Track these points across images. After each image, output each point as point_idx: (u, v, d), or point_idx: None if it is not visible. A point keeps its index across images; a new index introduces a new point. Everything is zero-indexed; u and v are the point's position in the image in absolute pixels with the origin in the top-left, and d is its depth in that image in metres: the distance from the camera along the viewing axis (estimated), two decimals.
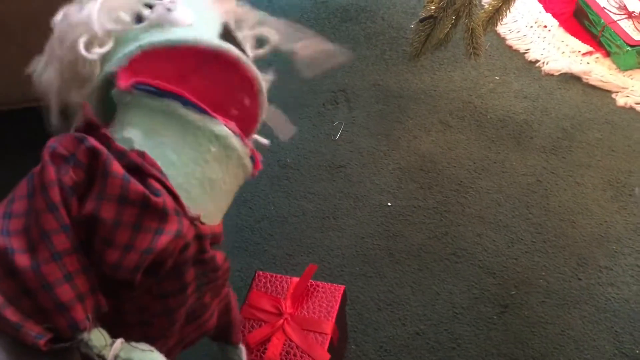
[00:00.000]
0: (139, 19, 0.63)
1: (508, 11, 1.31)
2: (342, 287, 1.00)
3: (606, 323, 1.10)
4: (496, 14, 1.31)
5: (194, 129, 0.62)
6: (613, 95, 1.47)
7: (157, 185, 0.58)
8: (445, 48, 1.48)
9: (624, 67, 1.50)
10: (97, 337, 0.57)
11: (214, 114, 0.63)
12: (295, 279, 1.00)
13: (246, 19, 0.72)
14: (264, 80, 0.67)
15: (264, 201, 1.32)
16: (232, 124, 0.64)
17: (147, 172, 0.58)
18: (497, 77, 1.54)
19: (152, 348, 0.60)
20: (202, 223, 0.64)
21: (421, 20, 1.32)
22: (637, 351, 1.07)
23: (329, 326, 0.95)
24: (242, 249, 1.24)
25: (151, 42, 0.61)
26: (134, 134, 0.61)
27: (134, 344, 0.59)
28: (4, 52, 1.21)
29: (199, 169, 0.62)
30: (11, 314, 0.53)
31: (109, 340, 0.58)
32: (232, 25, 0.69)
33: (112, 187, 0.56)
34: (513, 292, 1.15)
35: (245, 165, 0.67)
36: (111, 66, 0.62)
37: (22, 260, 0.53)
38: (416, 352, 1.09)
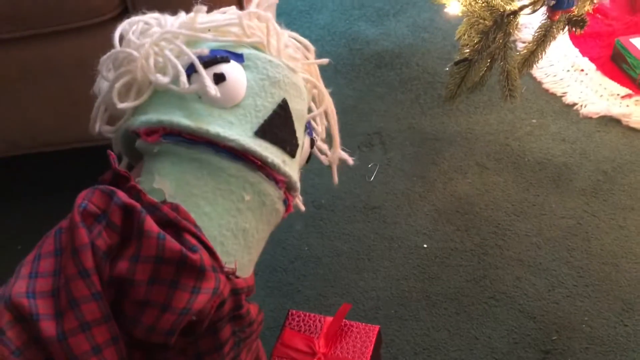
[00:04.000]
0: (190, 68, 0.61)
1: (543, 53, 1.31)
2: (377, 327, 0.98)
3: None
4: (531, 56, 1.31)
5: (227, 176, 0.59)
6: None
7: (192, 241, 0.54)
8: (480, 91, 1.48)
9: None
10: None
11: (250, 157, 0.60)
12: (329, 318, 0.99)
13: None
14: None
15: (298, 242, 1.31)
16: (267, 168, 0.61)
17: (181, 226, 0.54)
18: (534, 120, 1.52)
19: None
20: (236, 277, 0.60)
21: (456, 63, 1.33)
22: None
23: None
24: (276, 290, 1.23)
25: (168, 122, 0.59)
26: (164, 185, 0.58)
27: None
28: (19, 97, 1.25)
29: (232, 219, 0.59)
30: None
31: None
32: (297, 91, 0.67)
33: (147, 248, 0.52)
34: (554, 338, 1.11)
35: (277, 210, 0.64)
36: (133, 124, 0.61)
37: (48, 328, 0.49)
38: None
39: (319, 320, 0.99)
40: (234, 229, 0.59)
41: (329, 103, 0.74)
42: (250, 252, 0.63)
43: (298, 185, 0.67)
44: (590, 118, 1.51)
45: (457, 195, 1.37)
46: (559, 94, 1.58)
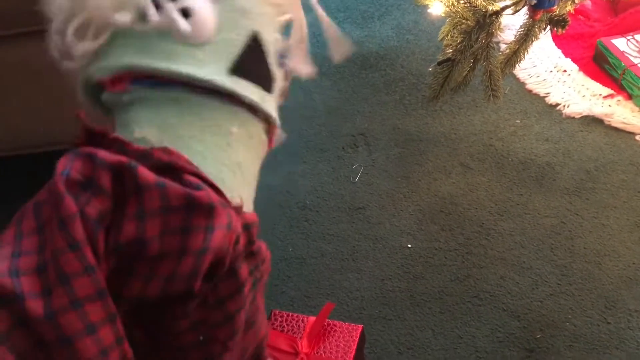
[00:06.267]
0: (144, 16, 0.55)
1: (525, 53, 1.31)
2: (360, 326, 0.98)
3: None
4: (514, 56, 1.32)
5: (210, 111, 0.55)
6: (637, 137, 1.45)
7: (194, 180, 0.51)
8: (464, 92, 1.48)
9: None
10: None
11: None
12: (312, 318, 0.99)
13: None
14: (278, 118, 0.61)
15: (283, 243, 1.31)
16: (248, 98, 0.58)
17: (179, 167, 0.51)
18: (517, 121, 1.53)
19: None
20: (244, 212, 0.57)
21: (439, 63, 1.33)
22: None
23: None
24: None
25: (136, 66, 0.54)
26: (148, 133, 0.53)
27: None
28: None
29: (225, 154, 0.56)
30: None
31: None
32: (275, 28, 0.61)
33: (150, 201, 0.48)
34: (538, 336, 1.11)
35: (263, 140, 0.61)
36: (95, 72, 0.56)
37: (35, 307, 0.45)
38: None
39: (302, 320, 0.98)
40: (229, 164, 0.56)
41: (303, 27, 0.67)
42: (248, 186, 0.60)
43: (278, 121, 0.63)
44: (573, 118, 1.52)
45: (441, 195, 1.37)
46: (542, 94, 1.59)
